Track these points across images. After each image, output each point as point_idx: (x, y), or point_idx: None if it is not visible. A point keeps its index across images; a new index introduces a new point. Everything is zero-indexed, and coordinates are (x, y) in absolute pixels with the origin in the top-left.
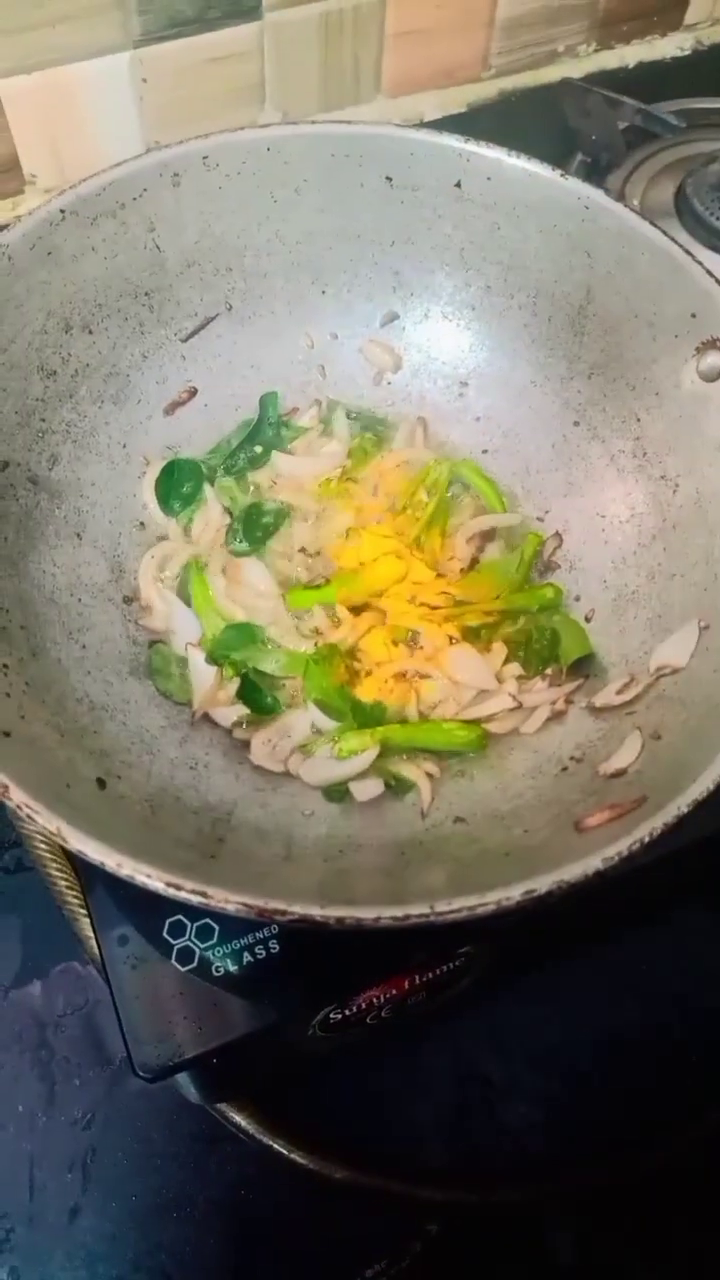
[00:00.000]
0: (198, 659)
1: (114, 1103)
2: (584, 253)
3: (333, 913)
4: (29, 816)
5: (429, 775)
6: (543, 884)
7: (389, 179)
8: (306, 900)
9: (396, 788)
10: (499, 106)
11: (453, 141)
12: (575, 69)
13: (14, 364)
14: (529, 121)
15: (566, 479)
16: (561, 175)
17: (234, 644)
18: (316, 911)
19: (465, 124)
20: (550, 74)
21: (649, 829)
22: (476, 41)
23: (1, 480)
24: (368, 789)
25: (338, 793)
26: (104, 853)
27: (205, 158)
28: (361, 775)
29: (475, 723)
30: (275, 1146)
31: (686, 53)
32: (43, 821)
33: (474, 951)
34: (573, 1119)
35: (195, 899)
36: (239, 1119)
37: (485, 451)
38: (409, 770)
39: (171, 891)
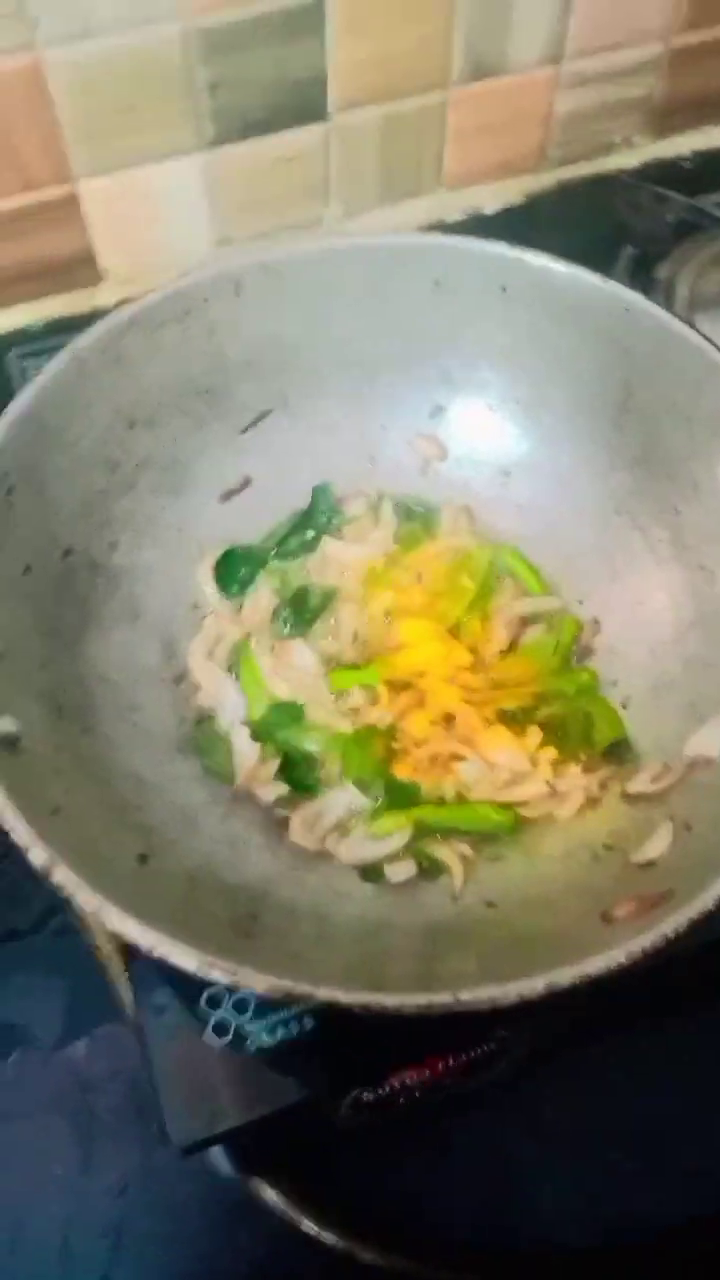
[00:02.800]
0: (242, 736)
1: (148, 1171)
2: (623, 351)
3: (357, 998)
4: (70, 895)
5: (462, 857)
6: (565, 977)
7: (437, 283)
8: (333, 984)
9: (430, 869)
10: (556, 197)
11: (499, 249)
12: (632, 158)
13: (80, 459)
14: (584, 211)
15: (607, 566)
16: (602, 280)
17: (277, 723)
18: (341, 996)
19: (523, 214)
20: (607, 164)
21: (674, 925)
22: (534, 135)
23: (64, 566)
24: (401, 870)
25: (373, 873)
26: (140, 933)
27: (266, 267)
28: (395, 856)
29: (509, 805)
30: (304, 1224)
31: None
32: (83, 899)
33: (508, 1035)
34: (610, 1209)
35: (226, 979)
36: (270, 1194)
37: (526, 539)
38: (442, 852)
39: (205, 971)
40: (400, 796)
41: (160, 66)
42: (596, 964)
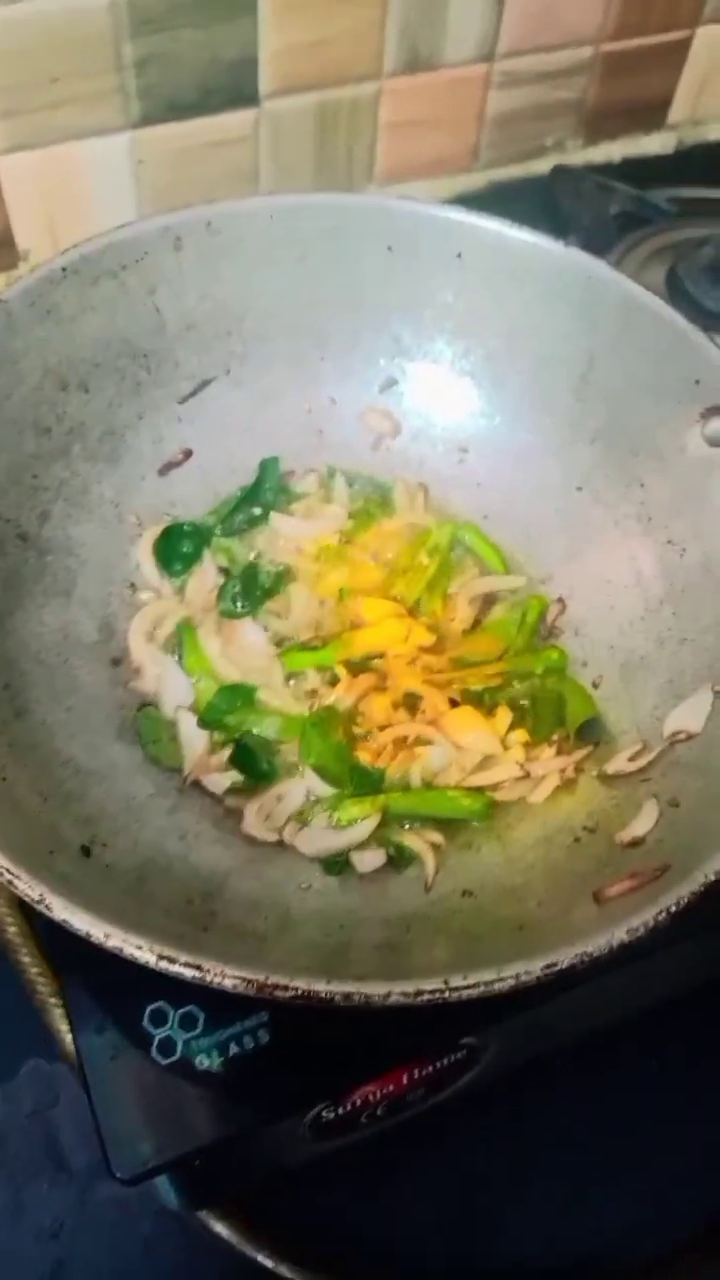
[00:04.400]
0: (189, 723)
1: (84, 1210)
2: (586, 321)
3: (339, 988)
4: (9, 882)
5: (433, 846)
6: (564, 957)
7: (390, 248)
8: (309, 975)
9: (398, 860)
10: (488, 196)
11: (454, 214)
12: (563, 162)
13: (8, 420)
14: (517, 211)
15: (569, 544)
16: (563, 246)
17: (227, 707)
18: (321, 987)
19: None
20: (538, 166)
21: (675, 897)
22: (467, 134)
23: None
24: (369, 860)
25: (336, 864)
26: (91, 923)
27: (209, 224)
28: (362, 845)
29: (480, 790)
30: (259, 1259)
31: (669, 151)
32: (23, 888)
33: (476, 1043)
34: (583, 1233)
35: (189, 973)
36: (220, 1228)
37: (486, 517)
38: (412, 840)
39: (164, 965)
40: (364, 783)
41: (86, 38)
42: (597, 942)
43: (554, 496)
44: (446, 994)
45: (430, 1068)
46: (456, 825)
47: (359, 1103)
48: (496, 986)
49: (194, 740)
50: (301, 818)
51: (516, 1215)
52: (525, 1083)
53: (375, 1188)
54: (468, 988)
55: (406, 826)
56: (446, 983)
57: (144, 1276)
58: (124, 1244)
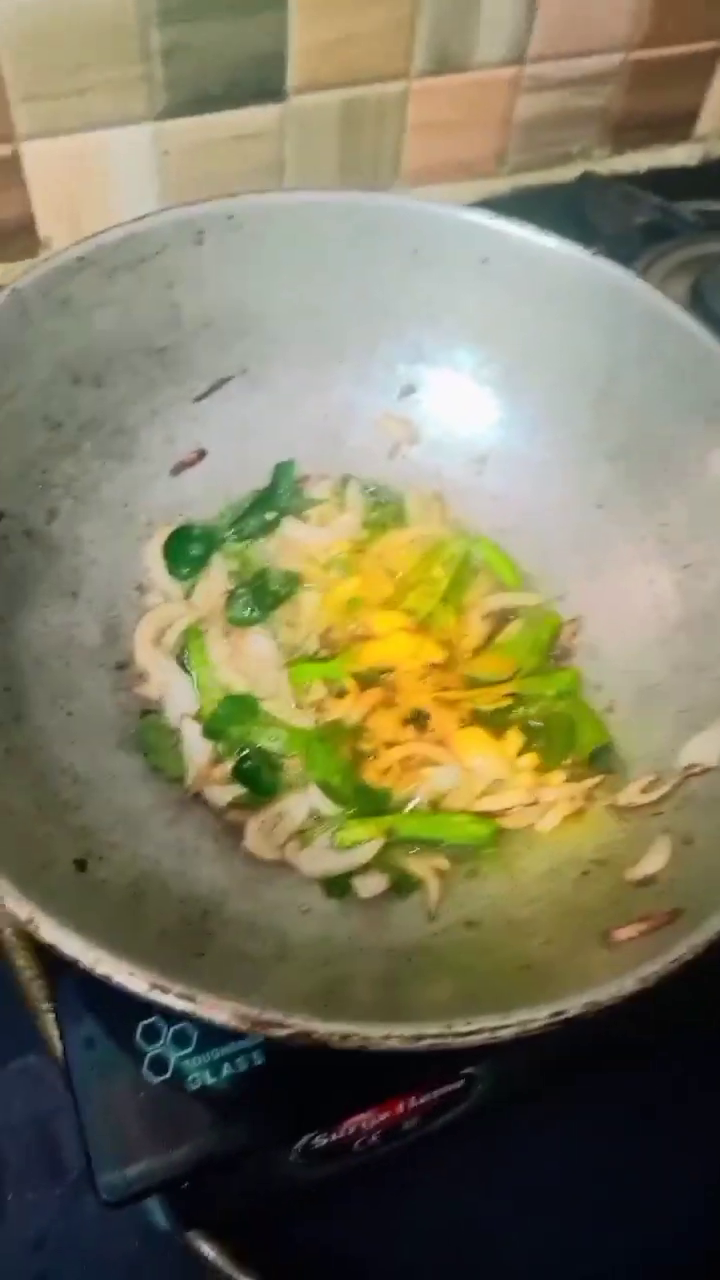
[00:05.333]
0: (193, 732)
1: (70, 1223)
2: (610, 333)
3: (335, 1028)
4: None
5: (437, 871)
6: (573, 1006)
7: (415, 251)
8: (305, 1012)
9: (401, 886)
10: (512, 202)
11: (482, 218)
12: (590, 170)
13: (17, 413)
14: (541, 218)
15: (587, 562)
16: (592, 254)
17: (232, 717)
18: (318, 1027)
19: None
20: (563, 174)
21: (688, 946)
22: (494, 138)
23: None
24: (371, 884)
25: (338, 887)
26: (80, 949)
27: (230, 217)
28: (364, 869)
29: (488, 816)
30: None
31: (696, 163)
32: (12, 906)
33: (476, 1074)
34: (580, 1261)
35: (181, 1004)
36: (208, 1250)
37: (502, 530)
38: (417, 866)
39: (156, 995)
40: (369, 802)
41: (114, 25)
42: (606, 991)
43: (572, 513)
44: (449, 1040)
45: (427, 1097)
46: (462, 851)
47: (353, 1130)
48: (500, 1034)
49: (198, 750)
50: (304, 837)
51: (511, 1244)
52: (523, 1108)
53: (368, 1212)
54: (471, 1033)
55: (412, 851)
56: (449, 1027)
57: None
58: (110, 1260)
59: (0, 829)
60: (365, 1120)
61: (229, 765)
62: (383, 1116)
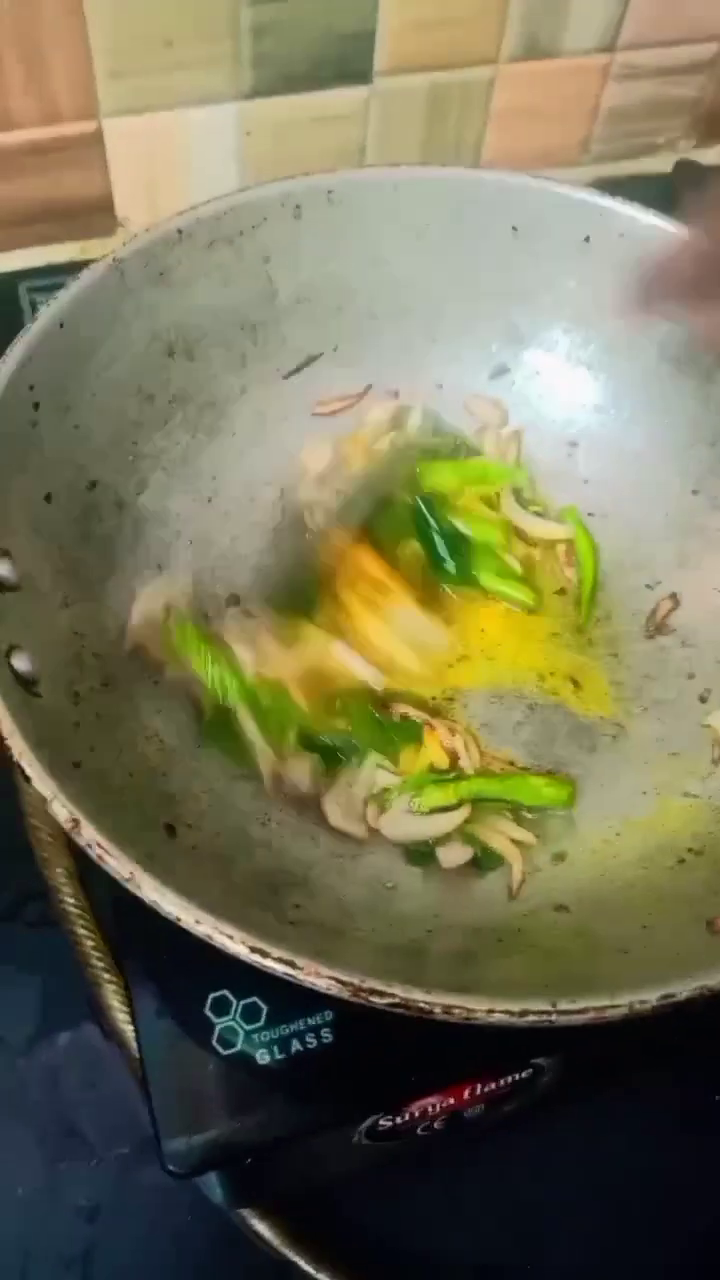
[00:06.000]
0: (251, 728)
1: (122, 1195)
2: None
3: (440, 1000)
4: (99, 858)
5: (520, 846)
6: (682, 989)
7: (515, 229)
8: (407, 982)
9: (483, 861)
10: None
11: (587, 195)
12: (672, 162)
13: (113, 382)
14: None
15: (680, 550)
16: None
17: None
18: (421, 997)
19: None
20: (649, 165)
21: None
22: (579, 126)
23: (88, 500)
24: (454, 855)
25: (421, 855)
26: (182, 907)
27: (330, 192)
28: (447, 838)
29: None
30: (300, 1263)
31: None
32: (114, 864)
33: (544, 1065)
34: (619, 1263)
35: (280, 969)
36: (260, 1227)
37: (591, 514)
38: (495, 840)
39: (256, 959)
40: (405, 734)
41: (204, 2)
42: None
43: (667, 499)
44: (554, 1017)
45: (495, 1084)
46: (547, 829)
47: (417, 1114)
48: (609, 1014)
49: (261, 742)
50: (380, 802)
51: (562, 1240)
52: (588, 1104)
53: (421, 1199)
54: (576, 1012)
55: (487, 823)
56: (554, 1005)
57: (178, 1273)
58: (160, 1235)
59: (96, 791)
60: (431, 1104)
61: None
62: (449, 1101)
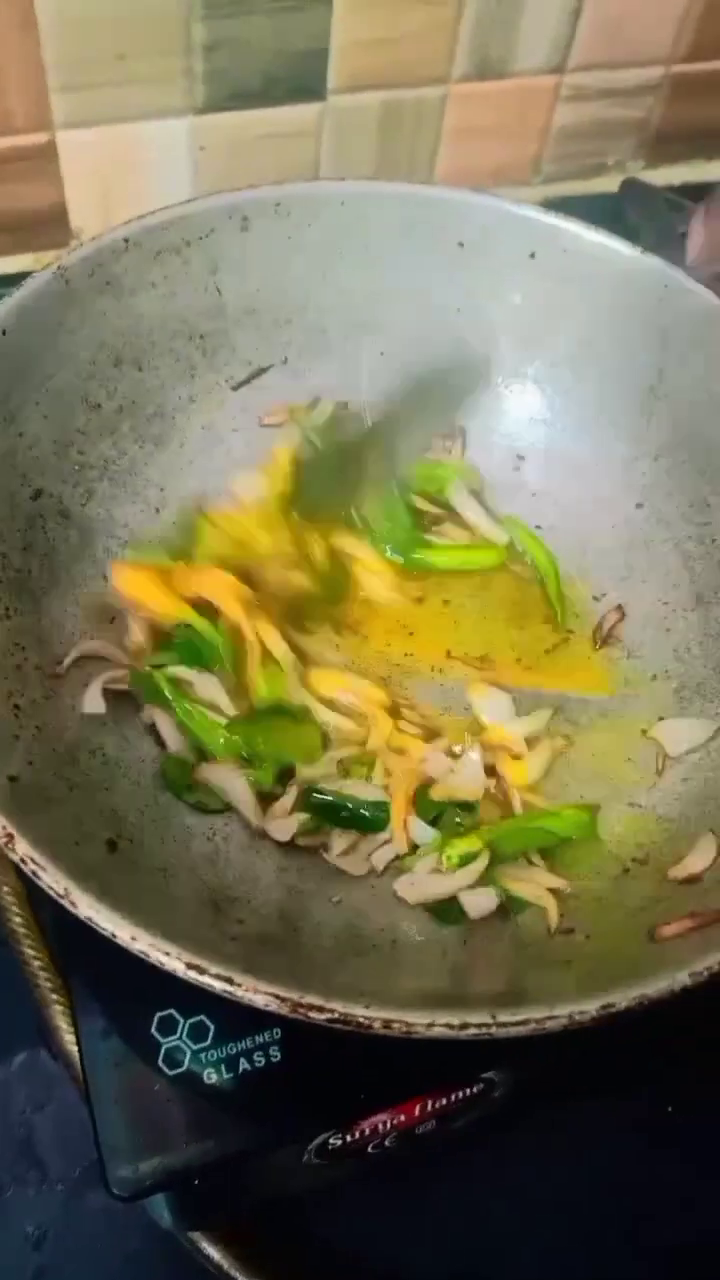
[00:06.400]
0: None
1: (71, 1219)
2: (658, 332)
3: (379, 1014)
4: (33, 873)
5: (551, 892)
6: (621, 999)
7: (461, 244)
8: (346, 997)
9: (513, 905)
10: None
11: (531, 212)
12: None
13: (58, 391)
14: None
15: (626, 562)
16: (642, 252)
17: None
18: (360, 1012)
19: None
20: (598, 185)
21: None
22: (530, 145)
23: (32, 509)
24: (481, 903)
25: (450, 913)
26: (117, 923)
27: (278, 204)
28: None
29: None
30: None
31: None
32: (48, 880)
33: (495, 1078)
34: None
35: (219, 985)
36: (212, 1251)
37: (539, 527)
38: (526, 889)
39: (193, 975)
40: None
41: (158, 16)
42: (657, 985)
43: (612, 511)
44: (493, 1029)
45: (445, 1100)
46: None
47: (368, 1131)
48: (548, 1025)
49: (239, 788)
50: (403, 863)
51: (520, 1255)
52: (539, 1116)
53: (376, 1216)
54: (516, 1024)
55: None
56: (494, 1017)
57: None
58: (110, 1260)
59: (34, 804)
60: (382, 1121)
61: (289, 800)
62: (400, 1118)
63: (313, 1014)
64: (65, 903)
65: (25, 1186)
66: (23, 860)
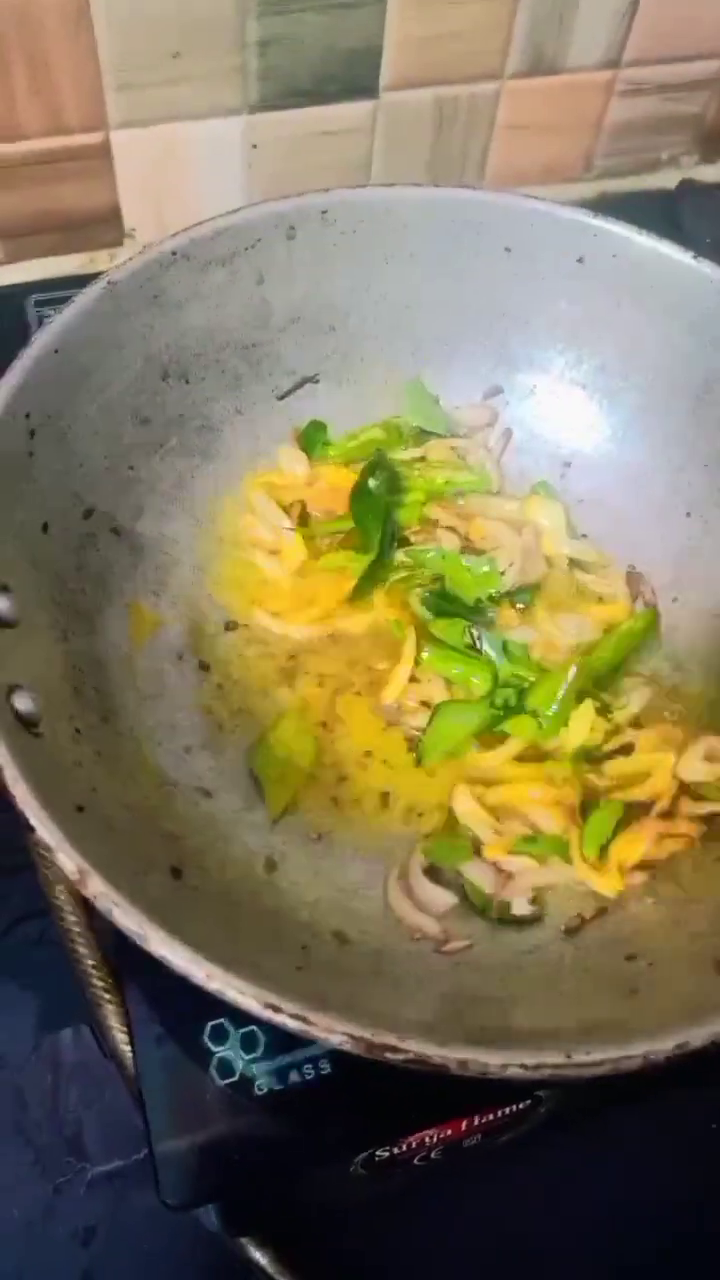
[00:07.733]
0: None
1: (119, 1218)
2: (709, 338)
3: (454, 1055)
4: (108, 911)
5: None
6: (697, 1037)
7: (508, 249)
8: (419, 1034)
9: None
10: (599, 207)
11: (580, 216)
12: (675, 179)
13: (108, 407)
14: (632, 222)
15: (674, 572)
16: (694, 258)
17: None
18: (434, 1051)
19: None
20: (652, 181)
21: None
22: (583, 141)
23: (84, 528)
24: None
25: (516, 921)
26: (193, 961)
27: (324, 213)
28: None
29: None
30: None
31: None
32: (121, 918)
33: (545, 1095)
34: None
35: (294, 1025)
36: (258, 1255)
37: (584, 535)
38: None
39: (268, 1014)
40: None
41: (212, 15)
42: None
43: (660, 520)
44: (566, 1070)
45: (494, 1114)
46: None
47: (415, 1144)
48: (623, 1065)
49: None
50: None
51: (561, 1269)
52: (586, 1131)
53: (416, 1230)
54: (591, 1065)
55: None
56: (569, 1057)
57: None
58: (157, 1259)
59: (101, 835)
60: (430, 1135)
61: None
62: (447, 1132)
63: (389, 1054)
64: (138, 940)
65: (76, 1186)
66: (95, 898)
